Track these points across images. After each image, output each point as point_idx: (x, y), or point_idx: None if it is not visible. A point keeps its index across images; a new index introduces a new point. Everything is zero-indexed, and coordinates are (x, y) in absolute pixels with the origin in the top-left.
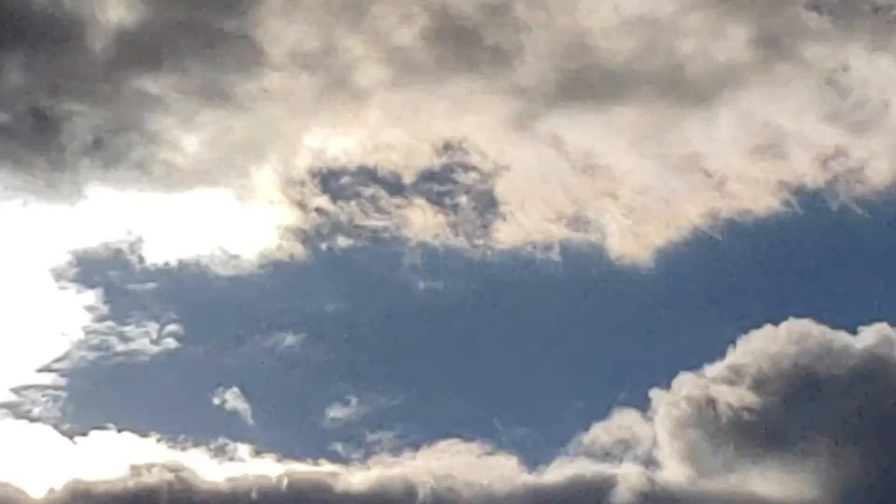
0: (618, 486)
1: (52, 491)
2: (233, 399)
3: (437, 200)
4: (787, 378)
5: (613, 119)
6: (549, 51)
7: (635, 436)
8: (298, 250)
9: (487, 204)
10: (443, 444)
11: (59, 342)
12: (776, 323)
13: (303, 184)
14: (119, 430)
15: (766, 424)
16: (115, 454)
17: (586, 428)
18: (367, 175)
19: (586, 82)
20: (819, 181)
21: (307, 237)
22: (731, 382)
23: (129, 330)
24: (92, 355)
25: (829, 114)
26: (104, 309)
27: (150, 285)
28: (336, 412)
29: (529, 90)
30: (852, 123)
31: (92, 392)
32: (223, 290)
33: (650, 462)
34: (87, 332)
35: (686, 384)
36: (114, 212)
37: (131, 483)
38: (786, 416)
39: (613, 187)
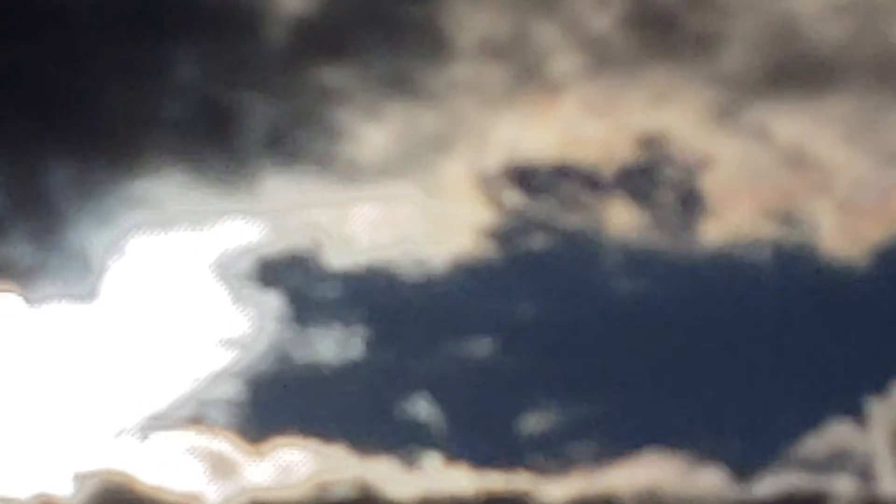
0: (833, 499)
1: None
2: (423, 407)
3: (637, 197)
4: None
5: (825, 109)
6: (756, 37)
7: (851, 446)
8: (491, 251)
9: (691, 200)
10: (647, 454)
11: (240, 350)
12: None
13: (494, 180)
14: (303, 441)
15: None
16: (299, 466)
17: (799, 437)
18: (563, 170)
19: (795, 70)
20: None
21: (501, 237)
22: None
23: (313, 337)
24: (275, 364)
25: None
26: (287, 314)
27: (335, 289)
28: (533, 420)
29: (734, 79)
30: None
31: (274, 402)
32: (412, 293)
33: (867, 475)
34: (270, 340)
35: None
36: (293, 210)
37: (316, 496)
38: None
39: (826, 182)
